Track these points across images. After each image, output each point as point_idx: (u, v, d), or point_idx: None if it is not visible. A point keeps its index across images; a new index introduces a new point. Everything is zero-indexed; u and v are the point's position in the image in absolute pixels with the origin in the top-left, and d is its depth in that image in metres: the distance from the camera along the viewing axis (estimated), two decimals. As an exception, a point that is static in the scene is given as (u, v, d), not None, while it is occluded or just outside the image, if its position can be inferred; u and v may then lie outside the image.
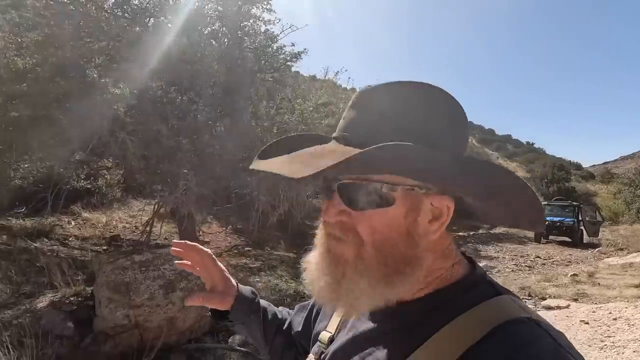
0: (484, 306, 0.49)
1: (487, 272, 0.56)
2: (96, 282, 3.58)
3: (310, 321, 0.79)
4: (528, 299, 5.94)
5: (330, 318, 0.68)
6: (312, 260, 0.57)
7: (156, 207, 5.76)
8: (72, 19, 4.11)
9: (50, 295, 3.67)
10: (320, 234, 0.56)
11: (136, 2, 4.53)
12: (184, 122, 3.93)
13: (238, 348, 3.58)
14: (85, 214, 8.24)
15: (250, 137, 4.66)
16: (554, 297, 5.86)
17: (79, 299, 3.67)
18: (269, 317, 0.85)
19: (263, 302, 0.87)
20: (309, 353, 0.76)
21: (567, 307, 5.08)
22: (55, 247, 5.60)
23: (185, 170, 4.71)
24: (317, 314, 0.77)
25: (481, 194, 0.50)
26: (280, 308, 0.91)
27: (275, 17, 5.44)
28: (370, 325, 0.57)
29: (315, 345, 0.66)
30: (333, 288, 0.52)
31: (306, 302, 0.85)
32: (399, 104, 0.50)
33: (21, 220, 6.61)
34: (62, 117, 3.24)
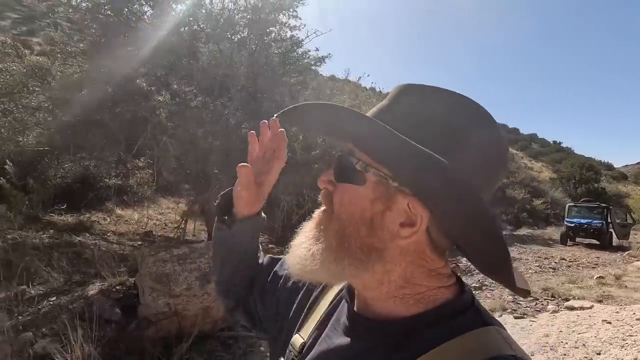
0: (468, 337, 0.46)
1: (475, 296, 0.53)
2: (139, 273, 3.91)
3: (276, 289, 0.75)
4: (551, 300, 5.93)
5: (305, 321, 0.65)
6: (303, 227, 0.58)
7: (188, 205, 6.10)
8: (116, 30, 4.47)
9: (98, 284, 4.04)
10: None
11: (173, 13, 4.85)
12: (217, 125, 4.21)
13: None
14: (119, 211, 8.72)
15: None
16: (578, 298, 5.83)
17: (124, 287, 4.02)
18: (253, 257, 0.82)
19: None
20: (250, 310, 0.78)
21: (591, 307, 5.07)
22: (96, 241, 6.04)
23: (216, 171, 5.01)
24: (291, 293, 0.72)
25: (434, 196, 0.46)
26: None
27: (301, 23, 5.68)
28: (345, 340, 0.54)
29: (287, 349, 0.63)
30: (295, 248, 0.55)
31: (278, 259, 0.82)
32: (421, 102, 0.50)
33: (62, 216, 7.11)
34: (111, 122, 3.58)
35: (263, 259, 0.85)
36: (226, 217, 0.77)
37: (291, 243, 0.57)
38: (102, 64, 4.00)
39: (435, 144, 0.45)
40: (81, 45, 4.39)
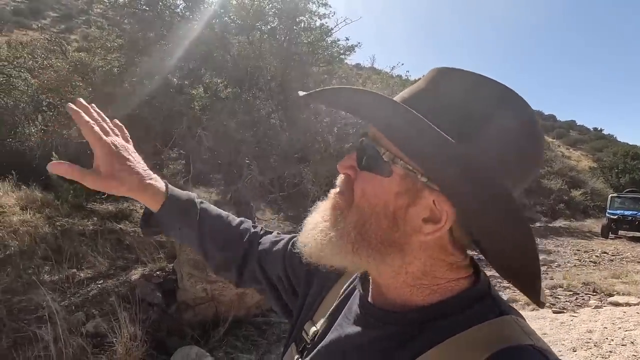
0: (484, 327, 0.45)
1: (493, 284, 0.51)
2: (178, 259, 4.08)
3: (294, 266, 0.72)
4: (592, 295, 5.66)
5: (319, 307, 0.64)
6: (319, 206, 0.55)
7: (221, 195, 6.27)
8: (152, 24, 4.59)
9: (140, 269, 4.25)
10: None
11: (204, 5, 4.91)
12: (249, 116, 4.27)
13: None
14: (154, 200, 9.09)
15: (311, 133, 4.91)
16: (623, 294, 5.53)
17: (164, 273, 4.21)
18: (213, 233, 0.79)
19: (212, 211, 0.81)
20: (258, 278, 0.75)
21: (638, 304, 4.79)
22: (135, 228, 6.34)
23: (248, 161, 5.11)
24: (308, 276, 0.70)
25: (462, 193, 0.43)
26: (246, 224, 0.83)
27: (330, 11, 5.61)
28: (357, 329, 0.53)
29: (300, 336, 0.63)
30: (310, 229, 0.52)
31: (280, 239, 0.79)
32: (457, 88, 0.46)
33: (104, 205, 7.51)
34: (149, 116, 3.71)
35: (249, 225, 0.83)
36: (146, 230, 0.79)
37: (305, 221, 0.54)
38: (140, 60, 4.13)
39: (452, 131, 0.42)
40: (120, 40, 4.54)
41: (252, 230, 0.83)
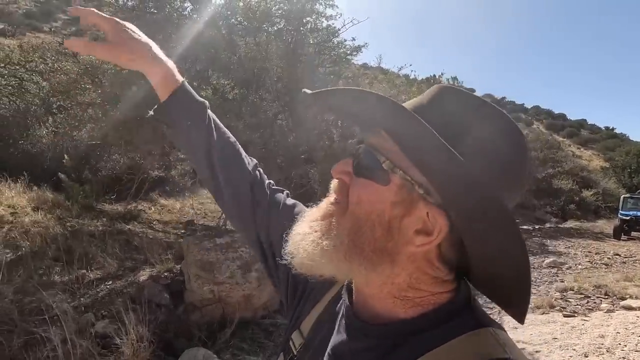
0: (461, 340, 0.45)
1: (476, 296, 0.52)
2: (185, 260, 4.10)
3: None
4: (604, 298, 5.56)
5: (306, 317, 0.63)
6: (306, 214, 0.55)
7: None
8: (160, 27, 4.63)
9: (148, 270, 4.29)
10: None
11: (211, 7, 4.93)
12: (256, 118, 4.27)
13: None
14: (162, 201, 9.18)
15: (317, 132, 4.90)
16: (636, 297, 5.42)
17: (171, 274, 4.24)
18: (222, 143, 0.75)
19: (219, 123, 0.77)
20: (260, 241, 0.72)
21: (652, 308, 4.69)
22: (143, 229, 6.40)
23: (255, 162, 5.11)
24: (305, 281, 0.66)
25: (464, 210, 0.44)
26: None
27: (337, 12, 5.60)
28: (341, 340, 0.54)
29: (288, 345, 0.63)
30: (299, 239, 0.52)
31: (293, 210, 0.73)
32: (454, 108, 0.47)
33: (113, 206, 7.60)
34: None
35: (252, 164, 0.79)
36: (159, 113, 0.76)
37: (292, 231, 0.54)
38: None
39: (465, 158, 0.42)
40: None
41: (260, 170, 0.79)
